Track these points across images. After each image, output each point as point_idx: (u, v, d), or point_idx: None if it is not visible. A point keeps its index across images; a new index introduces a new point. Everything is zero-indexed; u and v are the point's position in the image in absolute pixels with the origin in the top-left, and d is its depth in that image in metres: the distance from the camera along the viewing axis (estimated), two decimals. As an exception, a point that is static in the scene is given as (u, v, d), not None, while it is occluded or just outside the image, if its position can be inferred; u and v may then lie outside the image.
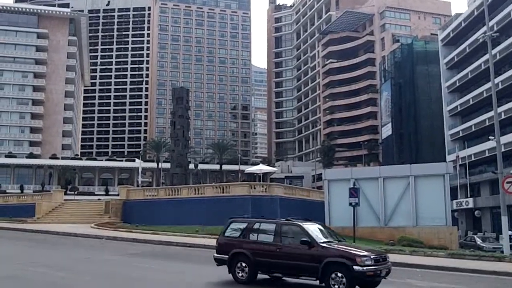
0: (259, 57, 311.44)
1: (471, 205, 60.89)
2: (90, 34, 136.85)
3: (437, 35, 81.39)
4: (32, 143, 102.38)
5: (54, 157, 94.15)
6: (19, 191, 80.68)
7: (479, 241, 39.23)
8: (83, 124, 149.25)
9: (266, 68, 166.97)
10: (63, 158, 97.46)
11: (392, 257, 22.16)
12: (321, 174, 41.95)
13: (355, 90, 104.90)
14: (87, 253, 21.58)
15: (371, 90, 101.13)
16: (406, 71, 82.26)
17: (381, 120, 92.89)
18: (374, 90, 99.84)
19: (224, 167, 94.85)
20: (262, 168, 63.74)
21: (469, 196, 61.54)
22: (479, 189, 62.30)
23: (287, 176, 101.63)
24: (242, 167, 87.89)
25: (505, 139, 51.34)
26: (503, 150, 37.28)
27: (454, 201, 58.30)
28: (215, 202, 37.24)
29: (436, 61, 77.30)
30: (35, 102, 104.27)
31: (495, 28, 57.00)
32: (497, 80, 52.88)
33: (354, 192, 23.55)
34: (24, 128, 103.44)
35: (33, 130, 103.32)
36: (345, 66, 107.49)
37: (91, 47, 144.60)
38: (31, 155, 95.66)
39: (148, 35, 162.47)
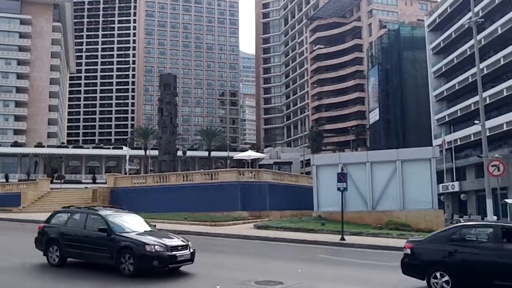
0: (247, 43, 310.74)
1: (457, 189, 61.60)
2: (75, 20, 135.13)
3: (423, 21, 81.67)
4: (16, 132, 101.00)
5: (39, 145, 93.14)
6: (4, 180, 79.89)
7: (465, 224, 39.69)
8: (69, 112, 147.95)
9: (254, 54, 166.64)
10: (49, 146, 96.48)
11: (380, 241, 22.54)
12: (309, 159, 42.15)
13: (343, 76, 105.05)
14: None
15: (359, 76, 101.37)
16: (393, 56, 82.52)
17: (369, 105, 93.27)
18: (362, 76, 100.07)
19: (213, 153, 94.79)
20: (251, 154, 63.83)
21: (455, 179, 62.21)
22: (464, 172, 62.98)
23: (276, 162, 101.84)
24: (231, 154, 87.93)
25: (490, 123, 51.94)
26: (488, 134, 37.67)
27: (440, 185, 58.95)
28: (204, 189, 37.31)
29: (423, 46, 77.60)
30: (19, 90, 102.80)
31: (480, 14, 57.29)
32: (482, 65, 53.22)
33: (342, 177, 23.69)
34: (8, 116, 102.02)
35: (17, 118, 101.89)
36: (333, 52, 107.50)
37: (76, 33, 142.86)
38: (15, 144, 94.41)
39: (135, 21, 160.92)
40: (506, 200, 45.53)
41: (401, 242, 20.51)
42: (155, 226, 18.24)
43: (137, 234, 13.69)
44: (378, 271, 14.38)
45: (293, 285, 12.12)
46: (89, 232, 13.95)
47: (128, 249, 12.98)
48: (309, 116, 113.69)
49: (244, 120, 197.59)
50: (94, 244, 13.64)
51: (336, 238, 22.76)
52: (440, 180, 55.17)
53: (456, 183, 61.79)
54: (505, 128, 57.11)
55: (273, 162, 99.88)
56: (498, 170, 22.87)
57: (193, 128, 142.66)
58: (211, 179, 38.22)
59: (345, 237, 22.67)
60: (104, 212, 14.64)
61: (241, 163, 76.13)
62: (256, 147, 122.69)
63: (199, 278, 13.23)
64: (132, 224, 14.53)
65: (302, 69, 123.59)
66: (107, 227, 13.59)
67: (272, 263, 16.58)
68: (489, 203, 26.88)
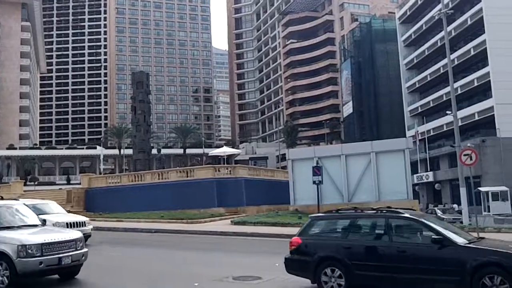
0: (220, 39, 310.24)
1: (431, 179, 62.38)
2: (44, 19, 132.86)
3: (394, 13, 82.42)
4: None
5: (11, 147, 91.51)
6: (-24, 184, 78.29)
7: (439, 213, 40.26)
8: (41, 113, 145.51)
9: (227, 50, 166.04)
10: (21, 148, 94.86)
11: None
12: (285, 154, 42.21)
13: (316, 70, 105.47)
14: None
15: (332, 70, 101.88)
16: (365, 49, 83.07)
17: (342, 98, 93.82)
18: (335, 69, 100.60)
19: (188, 151, 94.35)
20: (226, 150, 63.64)
21: (429, 170, 62.99)
22: (438, 162, 63.80)
23: (252, 157, 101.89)
24: (206, 150, 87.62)
25: (462, 113, 52.76)
26: (460, 124, 38.25)
27: (415, 175, 59.60)
28: (180, 186, 37.09)
29: (394, 39, 78.29)
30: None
31: (450, 6, 57.89)
32: (453, 56, 53.96)
33: (317, 170, 23.79)
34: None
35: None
36: (306, 46, 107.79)
37: (46, 33, 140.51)
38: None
39: (105, 18, 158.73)
40: (480, 188, 46.36)
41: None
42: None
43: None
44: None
45: (270, 279, 12.07)
46: None
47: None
48: (284, 110, 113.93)
49: (219, 116, 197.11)
50: None
51: (313, 231, 22.76)
52: (414, 170, 55.86)
53: (430, 173, 62.57)
54: (476, 118, 58.07)
55: (249, 158, 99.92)
56: (471, 159, 23.16)
57: (167, 126, 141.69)
58: (187, 176, 38.07)
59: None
60: None
61: (216, 160, 75.88)
62: (231, 143, 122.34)
63: (176, 275, 13.09)
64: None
65: (276, 63, 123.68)
66: None
67: (250, 258, 16.51)
68: (463, 192, 27.29)
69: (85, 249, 11.66)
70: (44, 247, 10.53)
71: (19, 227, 11.45)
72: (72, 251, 11.15)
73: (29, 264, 10.29)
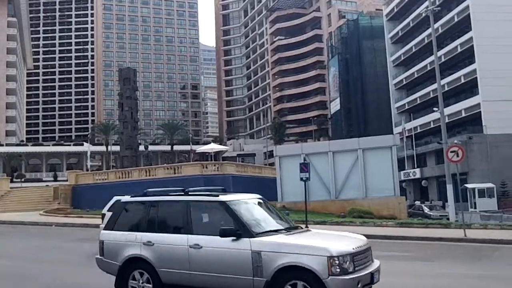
0: (208, 36, 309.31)
1: (418, 175, 62.77)
2: (31, 15, 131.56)
3: (382, 10, 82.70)
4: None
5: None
6: (-38, 180, 77.33)
7: (426, 209, 40.57)
8: (27, 109, 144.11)
9: (214, 46, 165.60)
10: (7, 145, 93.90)
11: (343, 229, 22.68)
12: (272, 151, 42.27)
13: (304, 67, 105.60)
14: (36, 241, 21.02)
15: (319, 66, 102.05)
16: (353, 46, 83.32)
17: (330, 95, 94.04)
18: (322, 66, 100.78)
19: (175, 147, 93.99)
20: (214, 147, 63.52)
21: (416, 166, 63.39)
22: (425, 159, 64.22)
23: (239, 154, 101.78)
24: (194, 147, 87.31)
25: (448, 110, 53.14)
26: (447, 121, 38.47)
27: (402, 172, 59.94)
28: (167, 183, 36.86)
29: (382, 36, 78.60)
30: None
31: (437, 3, 58.34)
32: (440, 53, 54.25)
33: (304, 167, 23.72)
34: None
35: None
36: (293, 43, 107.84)
37: (33, 29, 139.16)
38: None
39: (92, 14, 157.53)
40: (466, 185, 46.75)
41: (363, 230, 20.76)
42: None
43: None
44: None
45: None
46: None
47: None
48: (271, 107, 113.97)
49: (206, 113, 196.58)
50: None
51: (300, 228, 22.77)
52: (401, 167, 56.15)
53: (417, 170, 62.95)
54: (463, 115, 58.51)
55: (237, 154, 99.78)
56: (457, 156, 23.28)
57: (154, 123, 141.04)
58: (174, 173, 38.00)
59: (309, 226, 22.70)
60: None
61: (204, 156, 75.69)
62: (219, 140, 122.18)
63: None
64: None
65: (263, 60, 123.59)
66: None
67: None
68: (449, 188, 27.49)
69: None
70: (356, 259, 7.53)
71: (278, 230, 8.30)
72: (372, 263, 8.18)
73: (346, 284, 7.19)
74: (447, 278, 11.48)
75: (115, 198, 11.71)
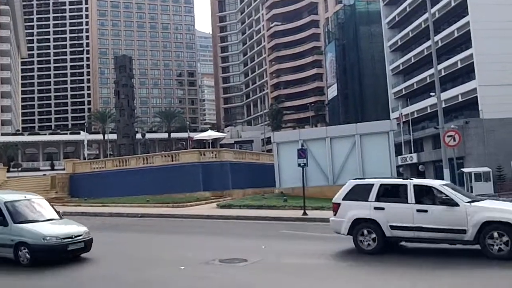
0: (204, 22, 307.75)
1: (415, 160, 62.91)
2: (24, 3, 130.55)
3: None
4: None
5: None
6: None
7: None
8: (22, 98, 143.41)
9: (210, 33, 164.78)
10: (3, 134, 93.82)
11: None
12: (270, 137, 42.24)
13: (301, 53, 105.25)
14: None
15: (316, 52, 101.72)
16: (350, 32, 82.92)
17: (327, 81, 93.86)
18: (319, 52, 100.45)
19: (173, 135, 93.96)
20: (211, 134, 63.60)
21: (413, 151, 63.51)
22: (422, 144, 64.30)
23: (237, 141, 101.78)
24: (191, 134, 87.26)
25: (445, 95, 53.02)
26: (443, 106, 38.43)
27: (399, 157, 60.05)
28: (165, 171, 37.02)
29: (378, 21, 78.21)
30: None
31: (434, -13, 58.01)
32: (436, 38, 54.06)
33: (302, 153, 23.77)
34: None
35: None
36: (290, 29, 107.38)
37: (26, 17, 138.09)
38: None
39: (87, 1, 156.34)
40: (463, 169, 46.87)
41: (362, 215, 20.79)
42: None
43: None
44: (338, 244, 14.48)
45: (257, 262, 12.12)
46: None
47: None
48: (269, 94, 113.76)
49: (203, 100, 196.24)
50: None
51: (298, 213, 22.91)
52: (398, 152, 56.28)
53: (414, 155, 63.08)
54: (460, 99, 58.45)
55: (234, 141, 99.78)
56: (454, 140, 23.39)
57: (151, 110, 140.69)
58: (172, 160, 37.99)
59: (307, 212, 22.84)
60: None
61: (201, 144, 75.70)
62: (216, 127, 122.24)
63: (163, 259, 13.08)
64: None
65: (260, 46, 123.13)
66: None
67: (236, 241, 16.58)
68: (446, 173, 27.48)
69: None
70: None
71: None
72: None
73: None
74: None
75: (351, 182, 13.89)
